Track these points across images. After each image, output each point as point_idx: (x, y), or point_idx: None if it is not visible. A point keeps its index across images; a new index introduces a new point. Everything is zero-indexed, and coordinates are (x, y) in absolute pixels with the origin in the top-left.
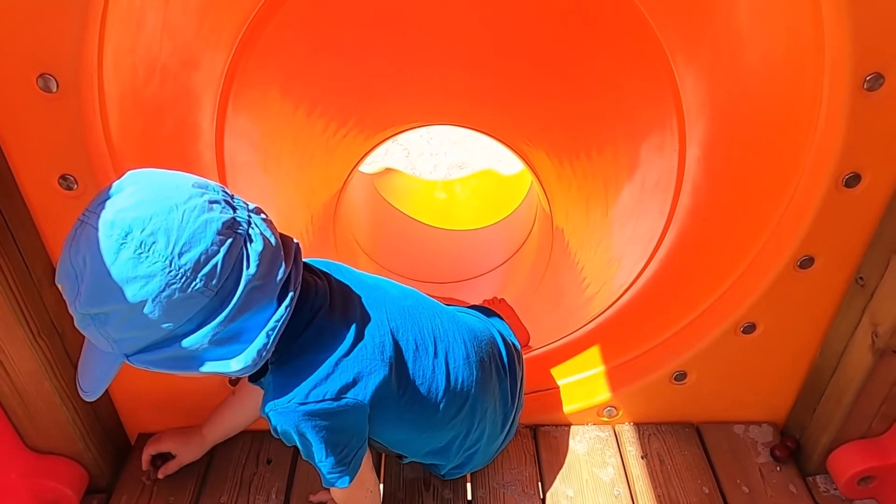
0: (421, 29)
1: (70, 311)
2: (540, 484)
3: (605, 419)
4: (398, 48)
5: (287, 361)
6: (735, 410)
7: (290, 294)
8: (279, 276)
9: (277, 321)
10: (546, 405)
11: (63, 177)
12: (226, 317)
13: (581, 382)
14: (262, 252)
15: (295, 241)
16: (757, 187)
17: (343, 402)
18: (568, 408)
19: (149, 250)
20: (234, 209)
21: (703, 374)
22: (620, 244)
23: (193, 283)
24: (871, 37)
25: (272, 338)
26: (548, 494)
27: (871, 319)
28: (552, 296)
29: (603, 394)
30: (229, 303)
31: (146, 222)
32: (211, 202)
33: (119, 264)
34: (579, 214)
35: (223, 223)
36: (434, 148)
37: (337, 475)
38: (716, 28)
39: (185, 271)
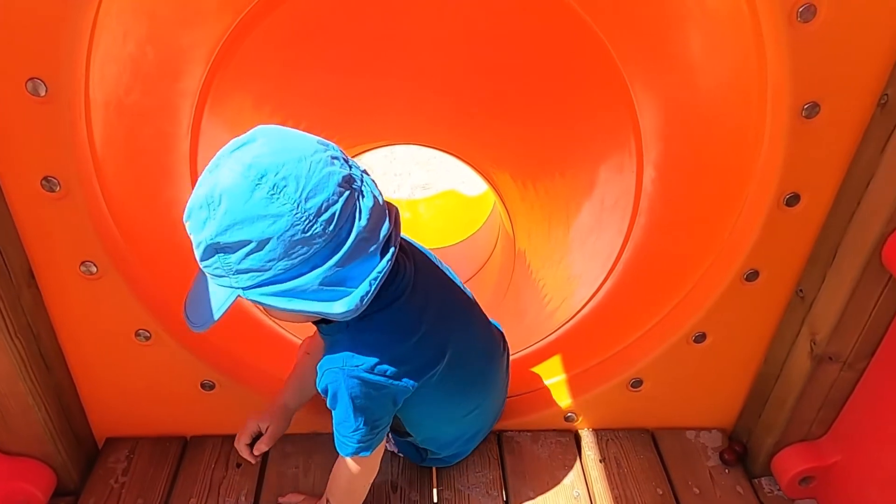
0: (393, 50)
1: (194, 248)
2: (503, 486)
3: (566, 425)
4: (370, 68)
5: (366, 330)
6: (687, 417)
7: (392, 249)
8: (383, 233)
9: (380, 272)
10: (510, 412)
11: (46, 178)
12: (337, 261)
13: (543, 391)
14: (371, 208)
15: (395, 206)
16: (707, 206)
17: (398, 382)
18: (531, 415)
19: (280, 192)
20: (350, 167)
21: (657, 381)
22: (581, 261)
23: (314, 227)
24: (808, 69)
25: (374, 287)
26: (511, 496)
27: (810, 329)
28: (515, 311)
29: (563, 401)
30: (341, 249)
31: (280, 167)
32: (332, 158)
33: (253, 202)
34: (541, 233)
35: (342, 177)
36: (397, 168)
37: (364, 445)
38: (671, 60)
39: (309, 215)
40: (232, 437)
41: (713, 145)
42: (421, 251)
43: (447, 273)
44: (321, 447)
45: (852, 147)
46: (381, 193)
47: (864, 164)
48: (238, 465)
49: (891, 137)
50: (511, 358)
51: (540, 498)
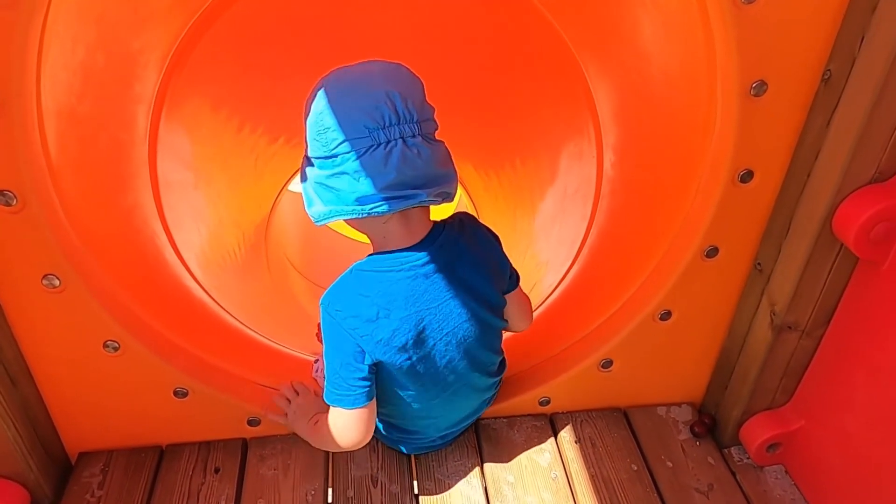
0: (348, 48)
1: None
2: (482, 473)
3: (541, 409)
4: (326, 67)
5: (358, 279)
6: (657, 393)
7: (367, 209)
8: (371, 188)
9: (342, 212)
10: None
11: (1, 192)
12: (325, 175)
13: (517, 377)
14: (373, 162)
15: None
16: (665, 186)
17: (352, 338)
18: (506, 401)
19: (318, 99)
20: (386, 126)
21: (626, 360)
22: (547, 249)
23: (322, 136)
24: (754, 49)
25: (328, 217)
26: (490, 482)
27: (769, 300)
28: None
29: (537, 386)
30: (330, 168)
31: (335, 82)
32: (377, 107)
33: (314, 92)
34: (507, 224)
35: (365, 125)
36: None
37: (336, 393)
38: (624, 46)
39: (321, 126)
40: (209, 444)
41: (668, 127)
42: (479, 254)
43: (488, 287)
44: (299, 448)
45: (800, 122)
46: (405, 165)
47: (811, 138)
48: (216, 471)
49: (835, 111)
50: None
51: (519, 482)
